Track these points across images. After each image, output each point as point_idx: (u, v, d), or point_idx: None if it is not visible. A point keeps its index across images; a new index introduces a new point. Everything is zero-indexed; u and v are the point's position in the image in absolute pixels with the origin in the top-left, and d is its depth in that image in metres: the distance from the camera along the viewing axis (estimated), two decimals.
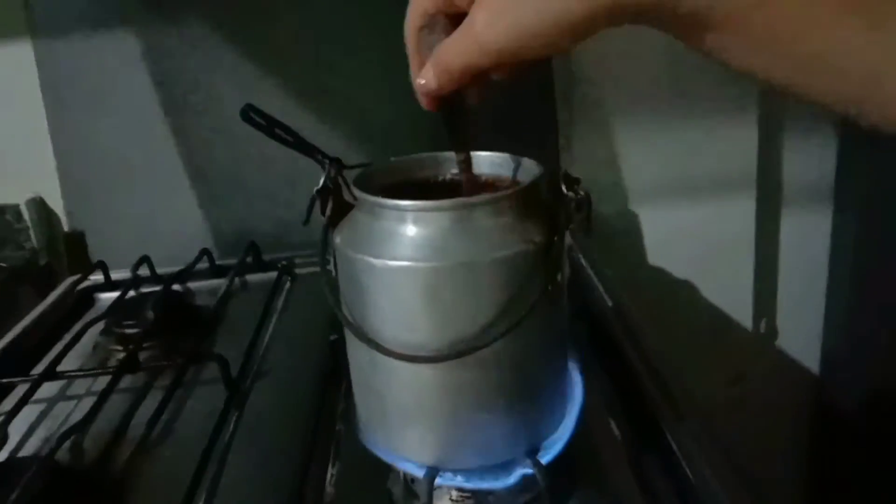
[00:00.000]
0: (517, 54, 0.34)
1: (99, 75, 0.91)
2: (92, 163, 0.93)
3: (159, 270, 0.85)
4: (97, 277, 0.86)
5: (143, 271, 0.85)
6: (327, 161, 0.79)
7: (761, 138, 0.98)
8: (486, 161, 0.47)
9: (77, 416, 0.59)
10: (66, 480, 0.51)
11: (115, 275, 0.86)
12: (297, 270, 0.85)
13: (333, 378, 0.60)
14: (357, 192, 0.42)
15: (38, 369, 0.67)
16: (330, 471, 0.52)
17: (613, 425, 0.52)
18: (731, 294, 1.07)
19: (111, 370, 0.62)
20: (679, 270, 1.05)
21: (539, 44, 0.33)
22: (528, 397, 0.42)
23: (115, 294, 0.83)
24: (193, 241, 0.90)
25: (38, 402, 0.62)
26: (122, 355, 0.69)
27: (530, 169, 0.44)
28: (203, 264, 0.85)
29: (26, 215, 1.00)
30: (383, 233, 0.40)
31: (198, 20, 0.89)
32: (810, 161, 0.99)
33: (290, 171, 0.90)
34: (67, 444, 0.53)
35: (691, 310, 1.06)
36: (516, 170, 0.46)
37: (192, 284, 0.84)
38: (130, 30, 0.90)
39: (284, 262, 0.85)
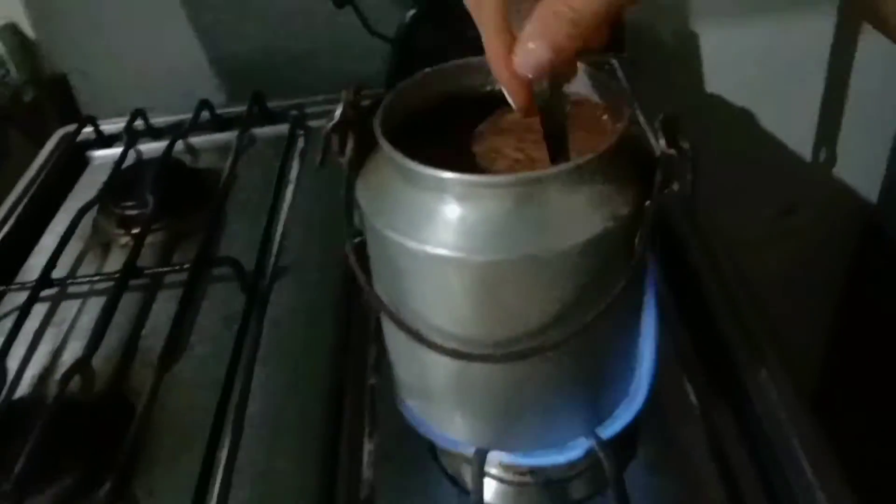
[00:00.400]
0: None
1: None
2: None
3: (155, 121, 0.75)
4: (88, 130, 0.77)
5: (139, 125, 0.75)
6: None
7: None
8: None
9: (79, 333, 0.54)
10: (77, 419, 0.46)
11: (108, 126, 0.77)
12: (310, 123, 0.75)
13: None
14: (382, 142, 0.32)
15: (32, 263, 0.61)
16: (366, 402, 0.47)
17: (687, 384, 0.45)
18: (794, 122, 0.96)
19: (114, 277, 0.55)
20: (739, 97, 0.93)
21: None
22: (595, 384, 0.36)
23: (109, 152, 0.74)
24: (189, 82, 0.79)
25: (33, 316, 0.56)
26: (124, 240, 0.63)
27: (616, 97, 0.33)
28: (204, 115, 0.75)
29: (0, 46, 0.88)
30: (423, 207, 0.31)
31: None
32: None
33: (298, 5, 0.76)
34: (71, 350, 0.49)
35: (749, 138, 0.96)
36: (590, 87, 0.36)
37: (193, 140, 0.75)
38: None
39: (296, 113, 0.75)
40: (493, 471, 0.41)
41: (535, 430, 0.36)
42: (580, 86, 0.36)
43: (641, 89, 0.73)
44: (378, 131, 0.32)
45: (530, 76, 0.30)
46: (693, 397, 0.44)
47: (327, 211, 0.63)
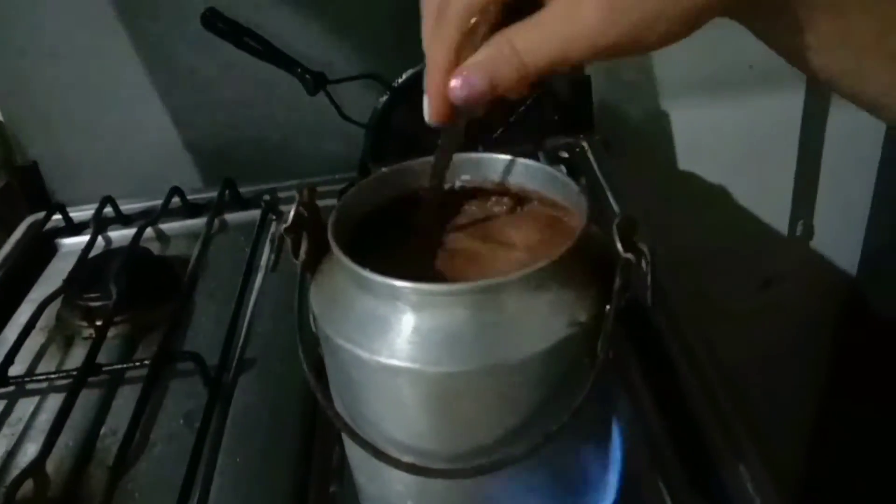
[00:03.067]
0: (628, 48, 0.28)
1: None
2: (35, 81, 0.79)
3: (124, 208, 0.75)
4: (57, 217, 0.76)
5: (108, 210, 0.74)
6: (309, 76, 0.66)
7: None
8: (503, 166, 0.36)
9: (35, 433, 0.52)
10: None
11: (77, 214, 0.76)
12: (283, 207, 0.75)
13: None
14: (336, 250, 0.31)
15: None
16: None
17: (663, 487, 0.44)
18: (768, 196, 0.97)
19: (72, 374, 0.53)
20: (713, 174, 0.94)
21: (657, 36, 0.28)
22: (566, 492, 0.34)
23: (77, 240, 0.73)
24: (161, 170, 0.79)
25: None
26: (87, 332, 0.61)
27: (577, 201, 0.33)
28: (174, 202, 0.74)
29: None
30: (375, 315, 0.30)
31: None
32: None
33: (264, 83, 0.76)
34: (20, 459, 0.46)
35: (724, 213, 0.97)
36: (546, 184, 0.35)
37: (163, 226, 0.74)
38: None
39: (267, 198, 0.75)
40: None
41: None
42: (539, 185, 0.35)
43: (613, 170, 0.73)
44: (331, 237, 0.31)
45: (459, 103, 0.30)
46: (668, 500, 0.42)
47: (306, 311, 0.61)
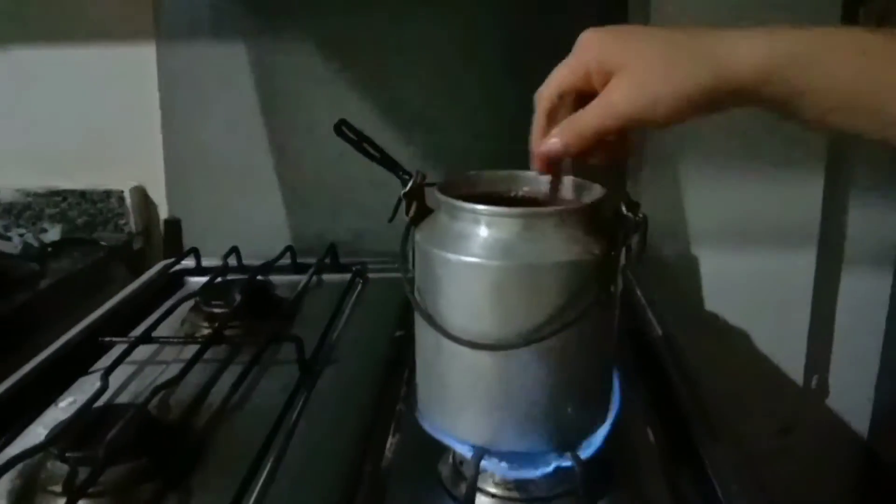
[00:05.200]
0: (644, 120, 0.43)
1: (210, 80, 1.01)
2: (195, 159, 1.02)
3: (246, 262, 0.93)
4: (189, 263, 0.94)
5: (232, 261, 0.92)
6: (408, 176, 0.86)
7: (826, 196, 1.00)
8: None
9: (167, 377, 0.66)
10: (154, 429, 0.57)
11: (206, 262, 0.94)
12: (370, 275, 0.92)
13: (397, 368, 0.66)
14: (439, 195, 0.48)
15: (135, 334, 0.74)
16: (388, 446, 0.57)
17: (651, 437, 0.55)
18: (785, 346, 1.08)
19: (199, 340, 0.68)
20: (735, 318, 1.07)
21: (664, 112, 0.42)
22: (574, 393, 0.47)
23: (204, 279, 0.91)
24: (279, 240, 0.97)
25: (133, 363, 0.69)
26: (208, 331, 0.76)
27: (595, 191, 0.49)
28: (286, 260, 0.92)
29: (128, 201, 1.10)
30: (459, 232, 0.46)
31: (300, 39, 0.99)
32: (873, 223, 1.01)
33: (369, 185, 0.96)
34: (157, 400, 0.60)
35: (743, 357, 1.08)
36: (584, 192, 0.51)
37: (273, 277, 0.91)
38: (242, 43, 0.99)
39: (359, 266, 0.92)
40: (485, 487, 0.50)
41: (525, 432, 0.47)
42: (572, 194, 0.52)
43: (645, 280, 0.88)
44: (438, 188, 0.48)
45: (548, 156, 0.47)
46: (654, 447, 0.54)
47: (374, 331, 0.76)
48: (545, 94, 0.47)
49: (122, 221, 1.11)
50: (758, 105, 0.42)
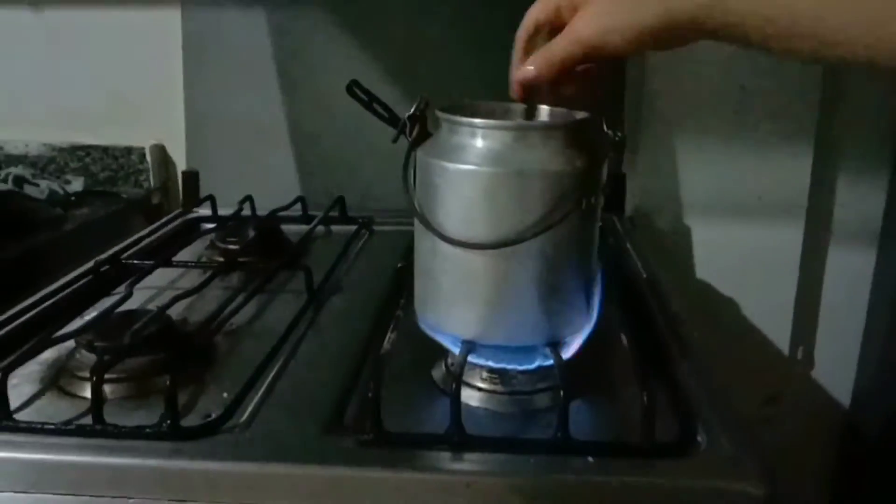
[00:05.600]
0: (605, 47, 0.47)
1: (232, 43, 1.07)
2: (214, 117, 1.07)
3: (259, 212, 0.98)
4: (205, 211, 0.99)
5: (246, 211, 0.97)
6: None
7: (814, 169, 1.04)
8: (548, 112, 0.57)
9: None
10: (172, 332, 0.62)
11: (222, 211, 0.99)
12: (376, 227, 0.97)
13: (397, 293, 0.71)
14: (439, 113, 0.53)
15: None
16: (385, 345, 0.63)
17: (626, 345, 0.60)
18: (772, 316, 1.13)
19: (214, 265, 0.74)
20: (724, 288, 1.11)
21: (623, 41, 0.46)
22: (556, 294, 0.51)
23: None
24: (290, 194, 1.03)
25: (152, 287, 0.75)
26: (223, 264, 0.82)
27: (581, 115, 0.54)
28: (296, 210, 0.97)
29: (148, 158, 1.16)
30: (456, 144, 0.51)
31: (319, 5, 1.04)
32: (860, 196, 1.06)
33: (377, 144, 1.01)
34: (176, 309, 0.65)
35: (732, 326, 1.12)
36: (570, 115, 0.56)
37: (284, 226, 0.96)
38: (261, 7, 1.05)
39: (365, 219, 0.97)
40: (472, 381, 0.55)
41: (510, 327, 0.52)
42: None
43: (638, 240, 0.93)
44: (436, 109, 0.53)
45: (522, 82, 0.52)
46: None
47: (377, 270, 0.81)
48: (522, 28, 0.53)
49: (141, 177, 1.17)
50: (710, 36, 0.46)
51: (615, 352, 0.62)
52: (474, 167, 0.49)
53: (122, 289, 0.73)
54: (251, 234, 0.82)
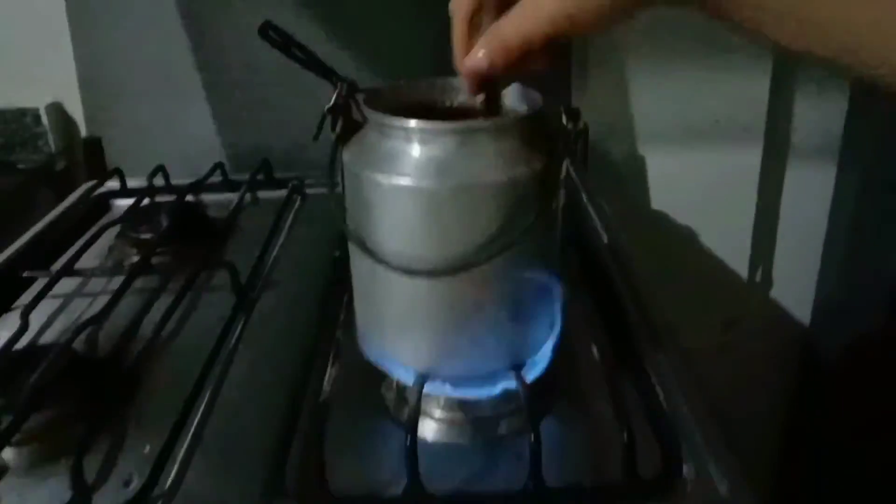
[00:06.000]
0: (576, 22, 0.37)
1: None
2: (112, 70, 0.94)
3: (174, 181, 0.87)
4: (113, 184, 0.89)
5: (158, 181, 0.87)
6: (341, 83, 0.82)
7: (772, 90, 0.98)
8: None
9: (93, 312, 0.63)
10: (82, 368, 0.54)
11: (131, 182, 0.88)
12: (308, 190, 0.88)
13: (336, 291, 0.63)
14: (366, 111, 0.44)
15: (57, 267, 0.70)
16: (328, 374, 0.55)
17: (595, 351, 0.55)
18: (730, 241, 1.09)
19: (126, 270, 0.65)
20: (680, 215, 1.07)
21: (596, 12, 0.36)
22: (516, 315, 0.45)
23: (130, 201, 0.85)
24: (208, 155, 0.92)
25: (56, 297, 0.66)
26: (136, 258, 0.72)
27: (534, 100, 0.46)
28: (216, 178, 0.87)
29: (45, 120, 1.03)
30: (390, 151, 0.42)
31: None
32: (818, 116, 1.00)
33: (305, 91, 0.91)
34: (84, 335, 0.56)
35: (689, 254, 1.09)
36: (521, 100, 0.48)
37: (204, 197, 0.87)
38: None
39: (296, 182, 0.88)
40: (429, 410, 0.49)
41: (466, 356, 0.45)
42: (516, 103, 0.48)
43: (588, 181, 0.86)
44: (361, 102, 0.44)
45: (474, 74, 0.42)
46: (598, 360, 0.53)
47: (313, 251, 0.73)
48: (460, 9, 0.42)
49: (40, 142, 1.04)
50: (687, 4, 0.38)
51: (581, 349, 0.56)
52: (412, 182, 0.41)
53: (20, 305, 0.64)
54: (165, 220, 0.73)
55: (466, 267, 0.41)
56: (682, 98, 0.99)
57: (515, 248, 0.41)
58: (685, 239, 1.08)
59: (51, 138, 1.04)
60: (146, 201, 0.83)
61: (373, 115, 0.43)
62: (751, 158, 1.04)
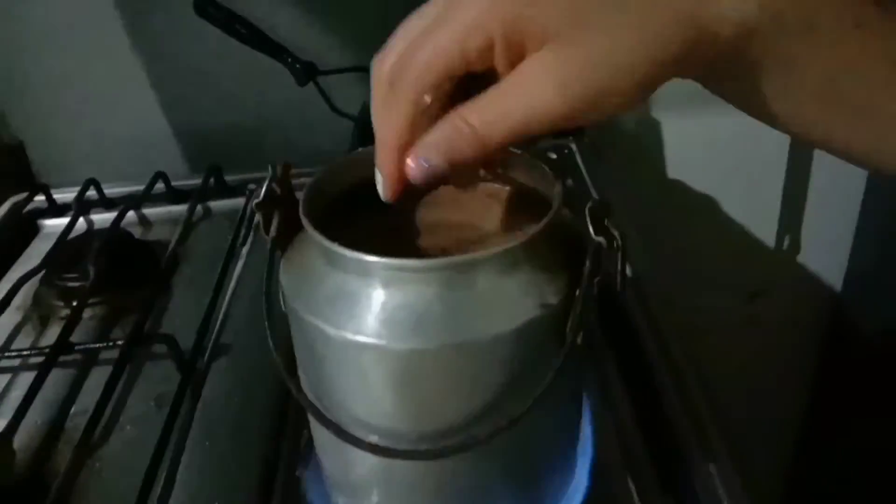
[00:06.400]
0: (585, 117, 0.27)
1: None
2: (25, 57, 0.79)
3: (108, 192, 0.74)
4: (40, 199, 0.75)
5: (91, 193, 0.74)
6: (299, 65, 0.67)
7: None
8: None
9: (5, 410, 0.51)
10: None
11: (60, 195, 0.75)
12: None
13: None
14: (306, 224, 0.31)
15: None
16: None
17: (631, 484, 0.43)
18: (757, 209, 0.97)
19: (44, 352, 0.52)
20: (701, 184, 0.94)
21: (616, 104, 0.27)
22: (531, 482, 0.33)
23: (59, 221, 0.73)
24: (147, 154, 0.78)
25: None
26: (64, 312, 0.60)
27: (544, 182, 0.33)
28: (158, 187, 0.74)
29: None
30: (342, 288, 0.29)
31: None
32: None
33: (256, 73, 0.76)
34: None
35: (712, 225, 0.97)
36: (521, 171, 0.35)
37: (146, 211, 0.73)
38: None
39: (252, 186, 0.74)
40: None
41: None
42: (517, 172, 0.35)
43: (600, 173, 0.73)
44: (302, 212, 0.31)
45: (417, 183, 0.29)
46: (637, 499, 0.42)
47: (275, 287, 0.61)
48: (415, 77, 0.28)
49: None
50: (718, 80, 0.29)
51: (615, 480, 0.44)
52: (376, 341, 0.28)
53: None
54: (93, 269, 0.60)
55: (461, 449, 0.29)
56: None
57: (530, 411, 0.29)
58: (706, 210, 0.95)
59: None
60: (81, 226, 0.70)
61: (314, 237, 0.30)
62: None
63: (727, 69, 0.28)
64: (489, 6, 0.26)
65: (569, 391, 0.33)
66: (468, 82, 0.28)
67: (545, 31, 0.26)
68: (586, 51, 0.26)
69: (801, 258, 1.02)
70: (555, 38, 0.26)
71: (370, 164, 0.35)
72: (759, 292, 1.02)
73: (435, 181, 0.29)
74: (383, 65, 0.29)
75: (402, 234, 0.34)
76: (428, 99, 0.28)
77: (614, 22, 0.26)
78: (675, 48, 0.26)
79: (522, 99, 0.27)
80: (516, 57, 0.27)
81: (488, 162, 0.30)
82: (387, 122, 0.29)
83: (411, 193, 0.31)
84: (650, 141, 0.91)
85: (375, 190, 0.34)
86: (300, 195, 0.33)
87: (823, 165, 0.94)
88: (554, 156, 0.76)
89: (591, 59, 0.26)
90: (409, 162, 0.29)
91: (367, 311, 0.29)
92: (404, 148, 0.29)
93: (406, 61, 0.28)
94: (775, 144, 0.92)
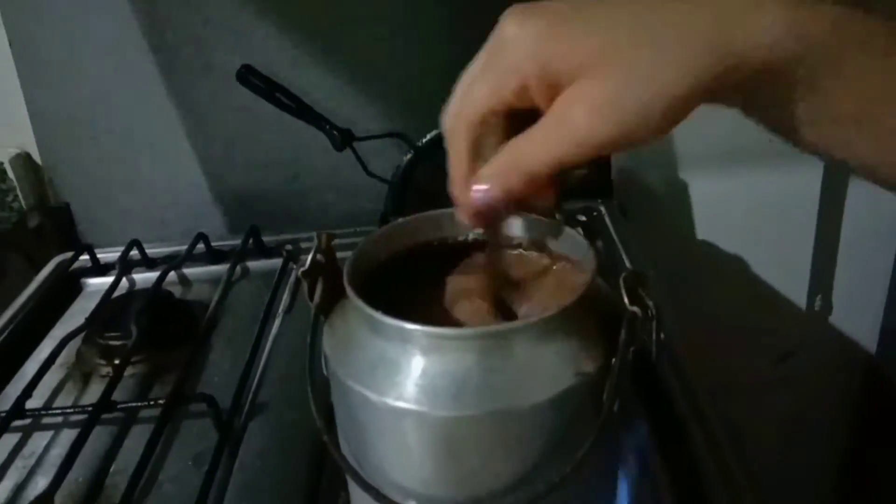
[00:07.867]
0: (620, 143, 0.29)
1: (77, 19, 0.80)
2: (73, 126, 0.83)
3: (150, 252, 0.77)
4: (85, 258, 0.78)
5: (134, 253, 0.76)
6: (336, 132, 0.69)
7: None
8: (517, 221, 0.37)
9: (47, 468, 0.53)
10: None
11: (104, 255, 0.78)
12: (304, 256, 0.76)
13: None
14: (350, 293, 0.32)
15: (10, 391, 0.60)
16: None
17: None
18: (787, 269, 0.97)
19: (87, 410, 0.54)
20: (730, 244, 0.94)
21: (648, 130, 0.29)
22: None
23: (102, 280, 0.75)
24: (188, 214, 0.81)
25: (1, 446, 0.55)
26: (105, 370, 0.62)
27: (578, 251, 0.34)
28: (199, 247, 0.76)
29: (11, 173, 0.91)
30: (385, 357, 0.31)
31: None
32: None
33: (294, 139, 0.79)
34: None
35: (742, 284, 0.97)
36: (555, 239, 0.36)
37: (187, 270, 0.76)
38: None
39: (289, 247, 0.76)
40: None
41: None
42: (550, 241, 0.37)
43: (629, 234, 0.74)
44: (346, 279, 0.32)
45: (483, 210, 0.32)
46: None
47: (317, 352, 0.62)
48: (464, 119, 0.32)
49: (9, 199, 0.93)
50: (749, 106, 0.31)
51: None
52: (416, 407, 0.29)
53: None
54: (135, 329, 0.61)
55: None
56: (724, 116, 0.86)
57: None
58: (735, 270, 0.95)
59: (20, 193, 0.93)
60: (123, 285, 0.72)
61: (357, 304, 0.31)
62: (810, 177, 0.90)
63: (765, 95, 0.29)
64: (524, 53, 0.29)
65: (605, 457, 0.34)
66: (524, 119, 0.31)
67: (578, 68, 0.28)
68: (614, 81, 0.28)
69: (833, 318, 1.01)
70: (587, 73, 0.28)
71: (409, 234, 0.37)
72: (791, 353, 1.01)
73: (497, 207, 0.32)
74: (446, 114, 0.33)
75: (441, 302, 0.35)
76: (480, 130, 0.31)
77: (644, 53, 0.28)
78: (704, 74, 0.28)
79: (559, 129, 0.29)
80: (554, 92, 0.29)
81: (539, 191, 0.32)
82: (451, 159, 0.33)
83: (450, 258, 0.33)
84: (678, 202, 0.92)
85: (415, 259, 0.36)
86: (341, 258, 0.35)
87: (854, 223, 0.94)
88: (583, 217, 0.77)
89: (622, 87, 0.28)
90: (473, 193, 0.32)
91: (407, 378, 0.30)
92: (466, 181, 0.32)
93: (457, 109, 0.32)
94: (804, 204, 0.93)
